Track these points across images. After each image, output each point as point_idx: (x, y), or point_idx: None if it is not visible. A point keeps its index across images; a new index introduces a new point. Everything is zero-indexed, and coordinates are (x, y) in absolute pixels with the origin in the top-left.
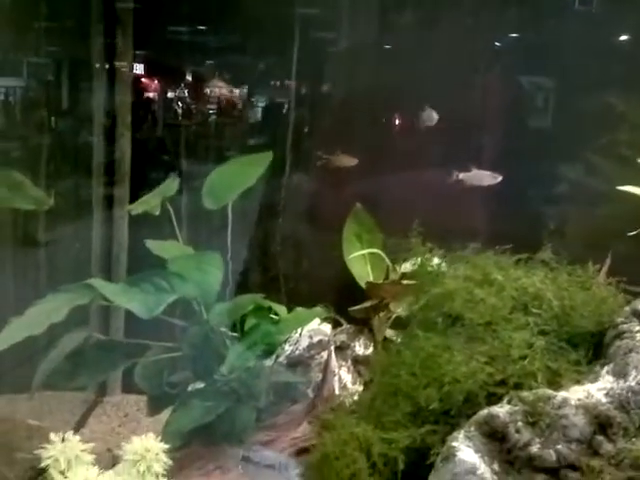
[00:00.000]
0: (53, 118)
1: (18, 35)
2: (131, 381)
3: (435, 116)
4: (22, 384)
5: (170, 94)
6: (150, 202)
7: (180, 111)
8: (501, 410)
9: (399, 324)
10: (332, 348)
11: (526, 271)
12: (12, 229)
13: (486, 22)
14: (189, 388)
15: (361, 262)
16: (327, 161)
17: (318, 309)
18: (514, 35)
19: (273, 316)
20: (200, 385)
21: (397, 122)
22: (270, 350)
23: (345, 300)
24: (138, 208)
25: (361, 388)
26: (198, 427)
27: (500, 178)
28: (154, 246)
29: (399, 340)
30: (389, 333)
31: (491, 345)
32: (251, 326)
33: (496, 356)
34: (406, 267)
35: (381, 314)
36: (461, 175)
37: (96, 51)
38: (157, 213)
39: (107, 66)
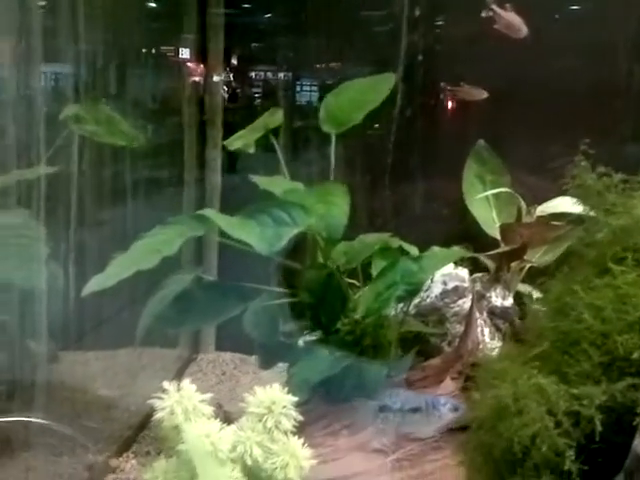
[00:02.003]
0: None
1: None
2: (225, 338)
3: None
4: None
5: None
6: (248, 136)
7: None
8: None
9: (534, 276)
10: (475, 294)
11: None
12: (100, 174)
13: None
14: (303, 339)
15: (485, 206)
16: (453, 93)
17: (458, 249)
18: None
19: None
20: (314, 336)
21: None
22: (413, 291)
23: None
24: (235, 143)
25: (499, 344)
26: (320, 382)
27: None
28: (261, 181)
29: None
30: (520, 287)
31: None
32: (387, 265)
33: None
34: (542, 210)
35: (513, 263)
36: None
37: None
38: (252, 150)
39: None
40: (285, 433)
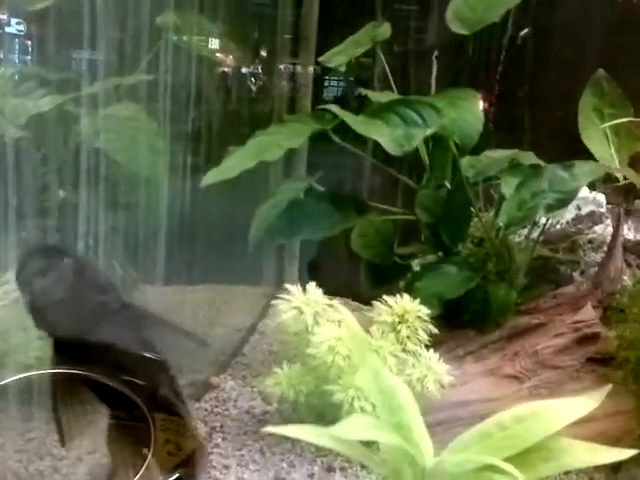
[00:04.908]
0: None
1: None
2: (308, 278)
3: None
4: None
5: None
6: (349, 52)
7: None
8: None
9: None
10: (622, 216)
11: None
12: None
13: None
14: (417, 261)
15: (602, 140)
16: None
17: (602, 163)
18: None
19: None
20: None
21: None
22: (565, 200)
23: None
24: (333, 60)
25: (629, 280)
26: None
27: None
28: (371, 95)
29: None
30: None
31: None
32: (530, 172)
33: None
34: None
35: (638, 200)
36: None
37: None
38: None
39: None
40: (420, 346)
